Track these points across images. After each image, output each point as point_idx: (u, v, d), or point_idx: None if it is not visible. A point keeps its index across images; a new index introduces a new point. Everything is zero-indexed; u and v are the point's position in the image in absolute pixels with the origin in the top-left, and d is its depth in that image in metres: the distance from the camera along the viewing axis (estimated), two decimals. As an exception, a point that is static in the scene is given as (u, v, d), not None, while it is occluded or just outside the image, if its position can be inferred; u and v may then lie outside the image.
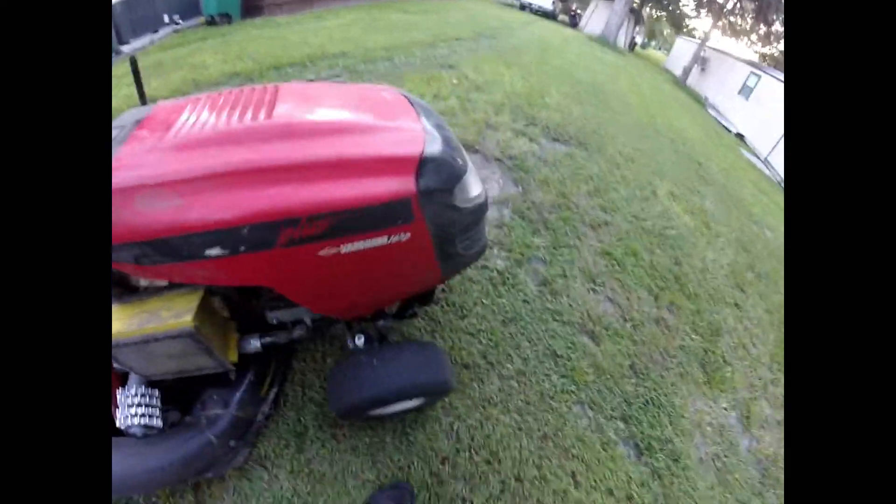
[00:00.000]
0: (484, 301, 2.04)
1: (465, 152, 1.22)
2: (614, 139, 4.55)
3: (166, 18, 8.65)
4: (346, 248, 1.00)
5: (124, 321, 1.02)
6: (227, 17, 8.09)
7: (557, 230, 2.64)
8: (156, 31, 8.46)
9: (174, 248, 0.90)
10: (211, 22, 8.26)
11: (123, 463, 1.12)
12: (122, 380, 1.21)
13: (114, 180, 0.87)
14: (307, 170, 0.94)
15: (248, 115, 1.04)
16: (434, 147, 1.07)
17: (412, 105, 1.26)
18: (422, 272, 1.22)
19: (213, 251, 0.91)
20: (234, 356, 1.22)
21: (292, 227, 0.92)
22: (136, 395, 1.15)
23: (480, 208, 1.21)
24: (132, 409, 1.13)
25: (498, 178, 2.96)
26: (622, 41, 17.42)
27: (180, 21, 8.75)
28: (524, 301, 2.12)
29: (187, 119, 1.04)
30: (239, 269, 0.97)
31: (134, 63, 1.38)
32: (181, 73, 5.08)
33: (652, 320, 2.37)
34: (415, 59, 4.90)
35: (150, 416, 1.15)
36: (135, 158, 0.93)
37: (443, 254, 1.17)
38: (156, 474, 1.14)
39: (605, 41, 14.93)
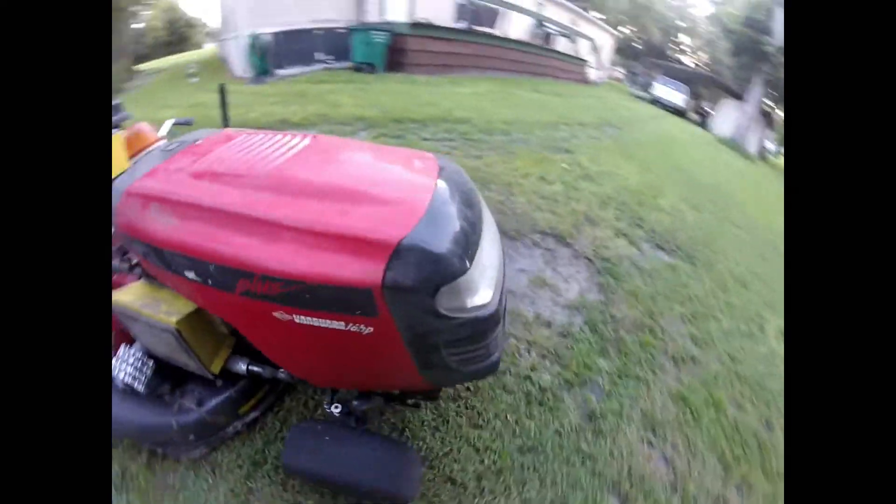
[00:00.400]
0: (508, 417, 1.75)
1: (488, 249, 1.05)
2: (727, 256, 4.06)
3: (319, 56, 9.96)
4: (300, 319, 0.94)
5: (135, 296, 1.20)
6: (371, 67, 9.07)
7: (630, 356, 2.29)
8: (308, 64, 9.77)
9: (166, 260, 1.02)
10: (357, 69, 9.32)
11: None
12: (132, 341, 1.38)
13: (144, 184, 1.07)
14: (276, 228, 0.93)
15: (264, 160, 1.11)
16: (425, 235, 0.88)
17: (437, 179, 1.09)
18: (396, 373, 1.09)
19: (190, 275, 0.99)
20: (216, 368, 1.30)
21: (247, 280, 0.92)
22: (133, 357, 1.33)
23: (484, 321, 0.96)
24: (125, 366, 1.32)
25: (582, 278, 2.73)
26: (752, 146, 16.32)
27: (331, 61, 10.03)
28: (556, 432, 1.77)
29: (221, 152, 1.18)
30: (209, 299, 1.05)
31: (222, 89, 1.68)
32: (316, 106, 5.74)
33: (710, 498, 1.87)
34: (532, 137, 4.97)
35: (135, 380, 1.32)
36: (166, 173, 1.11)
37: (423, 362, 0.99)
38: (116, 425, 1.29)
39: (734, 144, 14.09)
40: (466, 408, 1.74)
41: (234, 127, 1.61)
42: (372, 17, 10.23)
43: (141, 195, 1.05)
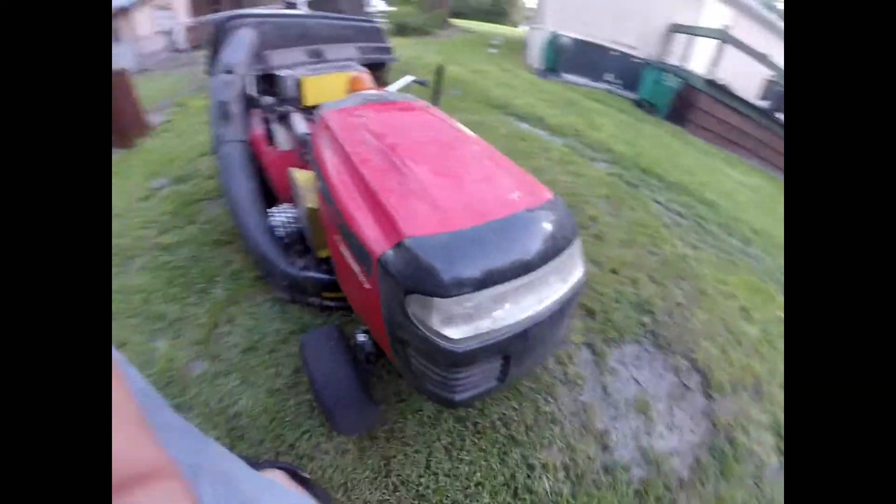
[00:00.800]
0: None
1: (509, 307, 0.97)
2: None
3: (608, 76, 9.95)
4: (342, 249, 1.23)
5: (303, 178, 1.74)
6: (652, 107, 8.69)
7: None
8: (594, 80, 9.87)
9: (315, 164, 1.50)
10: (638, 103, 9.04)
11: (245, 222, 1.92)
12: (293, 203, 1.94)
13: (328, 111, 1.60)
14: (359, 178, 1.18)
15: (401, 134, 1.39)
16: (434, 246, 0.91)
17: (513, 215, 1.03)
18: (381, 340, 1.16)
19: (319, 182, 1.45)
20: (323, 254, 1.74)
21: (330, 203, 1.26)
22: (287, 214, 1.88)
23: (444, 352, 0.92)
24: (281, 216, 1.88)
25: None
26: None
27: (617, 85, 9.93)
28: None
29: (384, 115, 1.56)
30: (321, 201, 1.48)
31: (439, 71, 2.11)
32: (577, 120, 5.88)
33: None
34: (769, 260, 4.07)
35: (282, 227, 1.85)
36: (342, 111, 1.59)
37: (394, 347, 1.04)
38: (253, 242, 1.84)
39: None
40: (447, 475, 1.53)
41: (441, 103, 2.03)
42: (673, 58, 9.67)
43: (322, 117, 1.56)
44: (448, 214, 1.00)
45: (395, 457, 1.48)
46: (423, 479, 1.43)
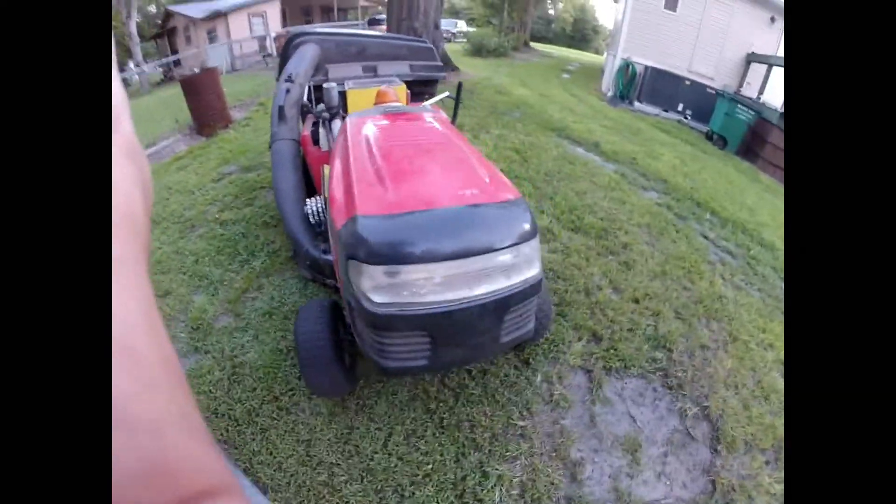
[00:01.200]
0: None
1: (437, 279, 1.08)
2: None
3: (680, 106, 9.56)
4: (331, 231, 1.45)
5: (328, 171, 1.87)
6: (722, 141, 8.22)
7: None
8: (665, 109, 9.53)
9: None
10: (708, 136, 8.58)
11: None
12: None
13: (352, 117, 1.81)
14: (348, 167, 1.40)
15: (397, 141, 1.58)
16: (376, 224, 1.08)
17: (471, 208, 1.15)
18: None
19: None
20: None
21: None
22: (318, 206, 2.00)
23: (363, 311, 1.07)
24: (312, 208, 2.02)
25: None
26: None
27: (688, 116, 9.50)
28: None
29: (391, 123, 1.80)
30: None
31: (459, 88, 2.29)
32: (636, 149, 5.74)
33: None
34: None
35: (313, 216, 2.01)
36: (361, 117, 1.81)
37: (347, 306, 1.21)
38: (294, 220, 2.04)
39: None
40: None
41: (457, 116, 2.29)
42: (749, 91, 9.07)
43: (346, 123, 1.80)
44: (400, 200, 1.14)
45: (358, 428, 1.59)
46: (376, 455, 1.52)
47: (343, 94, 2.47)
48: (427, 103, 2.35)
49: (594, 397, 1.85)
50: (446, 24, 22.69)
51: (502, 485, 1.48)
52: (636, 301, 2.51)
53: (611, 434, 1.72)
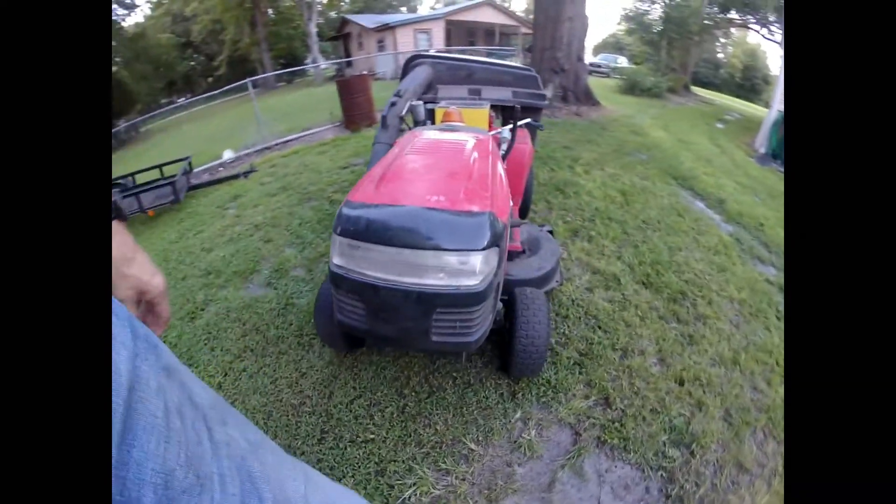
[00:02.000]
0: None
1: (386, 261, 1.29)
2: None
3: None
4: None
5: None
6: (779, 160, 7.00)
7: None
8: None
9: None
10: (774, 155, 7.38)
11: None
12: None
13: (416, 131, 2.08)
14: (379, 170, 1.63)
15: (421, 157, 1.72)
16: (358, 210, 1.35)
17: (448, 206, 1.32)
18: None
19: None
20: None
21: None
22: None
23: (333, 275, 1.39)
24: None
25: None
26: None
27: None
28: None
29: (419, 141, 1.89)
30: None
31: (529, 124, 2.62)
32: (761, 212, 5.05)
33: None
34: None
35: None
36: (410, 133, 2.09)
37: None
38: None
39: None
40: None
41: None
42: None
43: (407, 133, 2.09)
44: (378, 195, 1.40)
45: (339, 379, 1.90)
46: (340, 406, 1.78)
47: (432, 112, 2.79)
48: (505, 128, 2.52)
49: (568, 462, 1.55)
50: (606, 58, 21.96)
51: (418, 489, 1.45)
52: (680, 382, 2.02)
53: (564, 511, 1.43)
